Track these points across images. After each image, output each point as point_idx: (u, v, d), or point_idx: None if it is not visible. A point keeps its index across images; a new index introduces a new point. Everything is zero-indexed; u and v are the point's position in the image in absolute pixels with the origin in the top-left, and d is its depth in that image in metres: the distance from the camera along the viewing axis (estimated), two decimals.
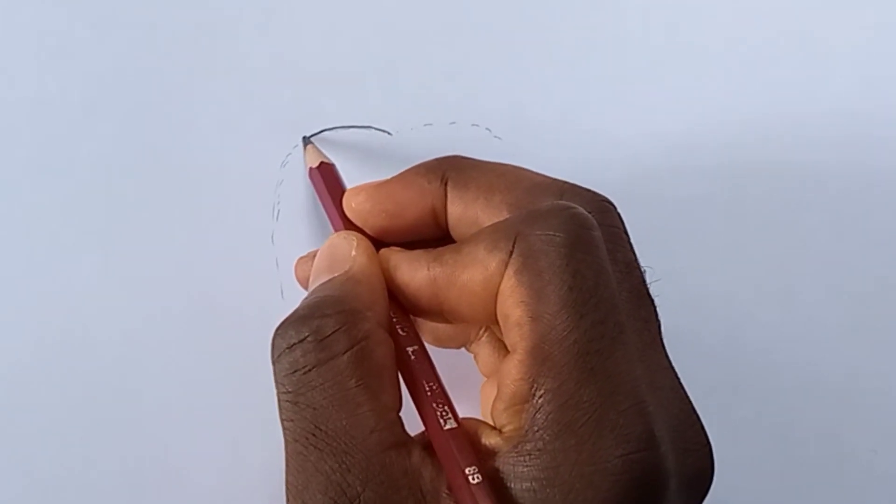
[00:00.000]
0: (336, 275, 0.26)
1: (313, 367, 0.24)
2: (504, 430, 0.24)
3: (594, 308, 0.24)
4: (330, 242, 0.28)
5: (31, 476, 0.29)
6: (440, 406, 0.25)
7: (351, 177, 0.31)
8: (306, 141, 0.33)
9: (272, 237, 0.32)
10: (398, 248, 0.28)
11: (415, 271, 0.26)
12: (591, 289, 0.24)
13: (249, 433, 0.31)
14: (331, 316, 0.25)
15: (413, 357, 0.26)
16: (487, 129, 0.35)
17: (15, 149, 0.31)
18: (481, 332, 0.30)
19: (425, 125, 0.34)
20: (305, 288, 0.29)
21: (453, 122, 0.34)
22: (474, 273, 0.25)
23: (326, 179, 0.31)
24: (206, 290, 0.31)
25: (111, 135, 0.32)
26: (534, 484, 0.23)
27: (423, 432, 0.26)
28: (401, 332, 0.26)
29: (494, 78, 0.35)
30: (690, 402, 0.25)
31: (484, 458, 0.24)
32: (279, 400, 0.25)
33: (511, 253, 0.24)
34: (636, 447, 0.23)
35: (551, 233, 0.24)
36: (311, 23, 0.34)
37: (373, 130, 0.34)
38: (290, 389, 0.24)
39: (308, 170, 0.32)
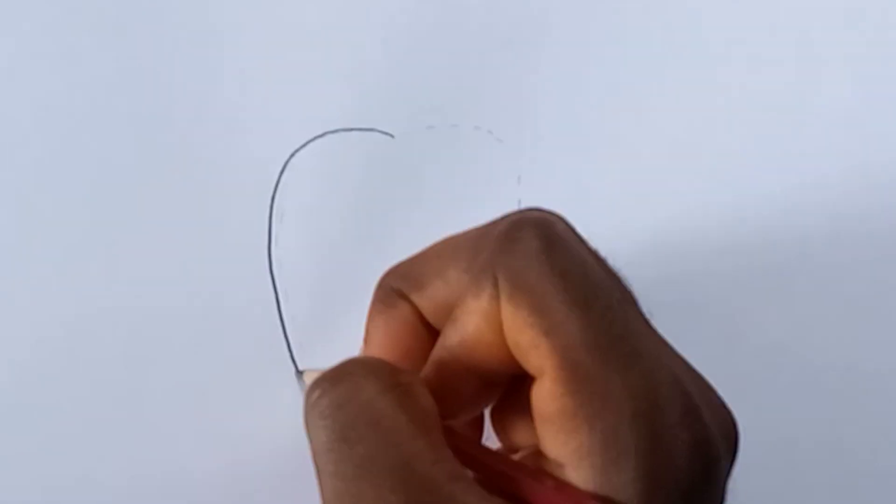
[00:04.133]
0: None
1: (359, 403, 0.23)
2: (565, 449, 0.23)
3: (595, 298, 0.23)
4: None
5: (31, 476, 0.29)
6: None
7: (352, 180, 0.31)
8: (300, 374, 0.32)
9: (274, 238, 0.32)
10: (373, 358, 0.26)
11: (431, 362, 0.25)
12: (584, 281, 0.23)
13: (250, 433, 0.31)
14: (375, 362, 0.24)
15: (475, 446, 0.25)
16: (490, 131, 0.35)
17: (16, 149, 0.31)
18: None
19: (427, 128, 0.34)
20: None
21: (455, 125, 0.34)
22: (479, 324, 0.24)
23: None
24: (208, 290, 0.31)
25: (112, 136, 0.32)
26: (628, 488, 0.22)
27: None
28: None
29: (497, 80, 0.35)
30: (691, 365, 0.25)
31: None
32: (320, 445, 0.23)
33: (496, 284, 0.24)
34: (689, 421, 0.23)
35: (521, 246, 0.24)
36: (313, 24, 0.34)
37: (375, 133, 0.34)
38: (335, 428, 0.23)
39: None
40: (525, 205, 0.34)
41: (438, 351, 0.25)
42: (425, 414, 0.24)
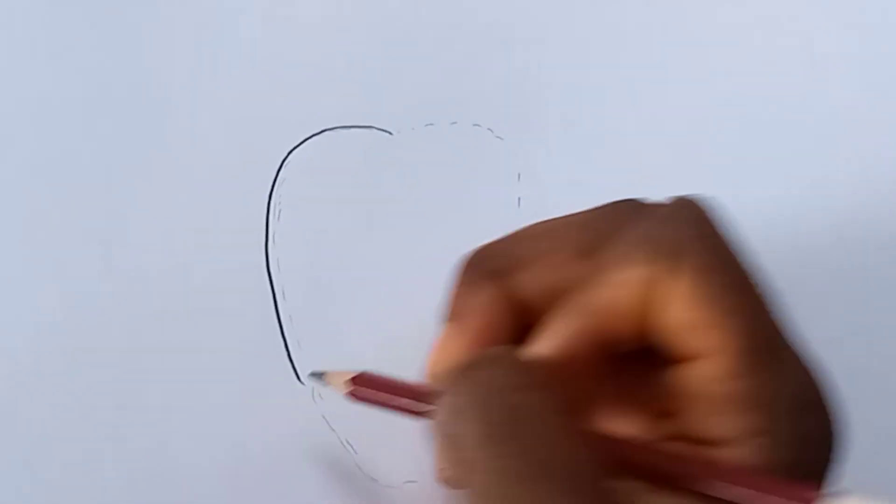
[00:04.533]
0: None
1: (503, 401, 0.22)
2: (733, 429, 0.23)
3: (757, 284, 0.24)
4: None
5: (31, 476, 0.29)
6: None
7: (352, 178, 0.31)
8: (318, 375, 0.29)
9: (272, 235, 0.32)
10: (511, 346, 0.26)
11: (558, 335, 0.25)
12: (749, 266, 0.24)
13: (246, 431, 0.30)
14: (505, 355, 0.24)
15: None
16: (489, 129, 0.35)
17: (12, 144, 0.31)
18: None
19: (426, 125, 0.34)
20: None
21: (454, 122, 0.34)
22: (618, 295, 0.24)
23: (377, 385, 0.27)
24: (205, 287, 0.31)
25: (109, 132, 0.32)
26: (786, 470, 0.23)
27: None
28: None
29: (497, 78, 0.35)
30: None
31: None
32: (466, 436, 0.22)
33: (655, 263, 0.24)
34: (837, 416, 0.24)
35: (689, 228, 0.24)
36: (311, 22, 0.34)
37: (374, 130, 0.34)
38: (481, 425, 0.22)
39: (347, 395, 0.28)
40: (525, 203, 0.34)
41: (560, 329, 0.25)
42: (566, 407, 0.23)
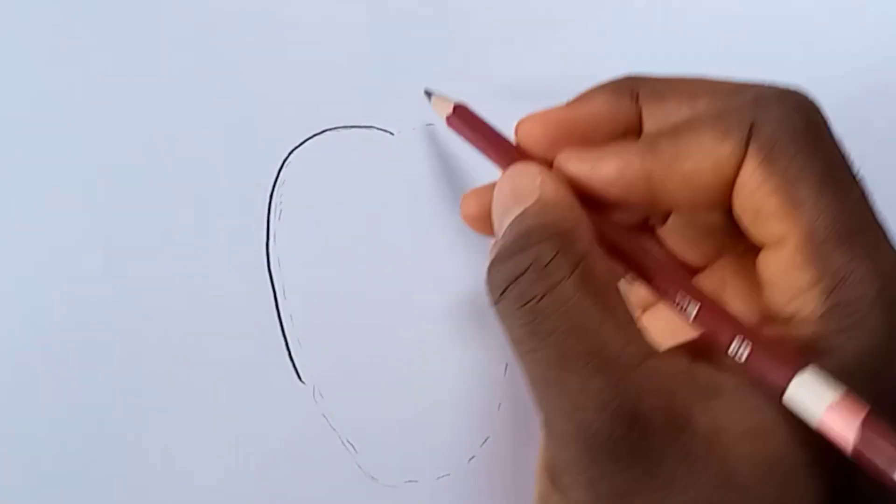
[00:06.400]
0: (527, 206, 0.26)
1: (544, 295, 0.24)
2: (794, 318, 0.24)
3: (849, 189, 0.24)
4: (508, 176, 0.27)
5: (31, 476, 0.29)
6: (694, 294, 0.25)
7: (351, 177, 0.31)
8: (429, 94, 0.32)
9: (273, 235, 0.32)
10: (581, 149, 0.27)
11: (626, 164, 0.26)
12: (842, 170, 0.24)
13: (250, 433, 0.31)
14: (545, 241, 0.24)
15: (648, 261, 0.26)
16: None
17: (12, 145, 0.31)
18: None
19: (427, 125, 0.34)
20: (472, 226, 0.30)
21: None
22: (701, 162, 0.25)
23: (471, 120, 0.30)
24: (206, 287, 0.31)
25: (109, 132, 0.32)
26: (855, 359, 0.23)
27: (672, 348, 0.26)
28: (617, 242, 0.26)
29: (497, 77, 0.35)
30: None
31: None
32: (514, 335, 0.24)
33: (747, 142, 0.24)
34: None
35: (790, 119, 0.24)
36: (312, 21, 0.34)
37: (375, 130, 0.34)
38: (526, 321, 0.24)
39: (445, 119, 0.31)
40: None
41: (647, 157, 0.26)
42: (607, 287, 0.24)
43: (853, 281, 0.23)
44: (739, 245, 0.27)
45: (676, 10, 0.37)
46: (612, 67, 0.36)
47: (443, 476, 0.32)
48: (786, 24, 0.38)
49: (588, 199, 0.27)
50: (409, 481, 0.31)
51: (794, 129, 0.24)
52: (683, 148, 0.25)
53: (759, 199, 0.24)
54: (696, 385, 0.23)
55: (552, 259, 0.24)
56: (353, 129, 0.33)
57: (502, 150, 0.29)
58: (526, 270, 0.24)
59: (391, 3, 0.35)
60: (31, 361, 0.30)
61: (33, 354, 0.30)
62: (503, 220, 0.26)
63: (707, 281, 0.29)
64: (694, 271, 0.30)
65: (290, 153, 0.33)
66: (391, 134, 0.34)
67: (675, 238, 0.30)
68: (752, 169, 0.24)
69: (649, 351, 0.24)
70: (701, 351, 0.25)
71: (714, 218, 0.28)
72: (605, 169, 0.26)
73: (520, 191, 0.26)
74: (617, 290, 0.25)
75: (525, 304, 0.24)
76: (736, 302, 0.27)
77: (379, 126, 0.34)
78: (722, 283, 0.28)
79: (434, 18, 0.35)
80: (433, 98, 0.32)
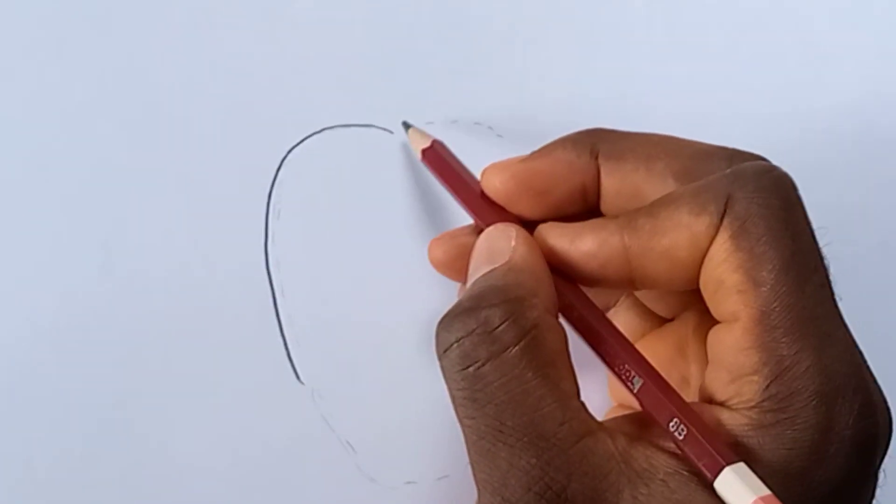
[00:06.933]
0: (496, 265, 0.26)
1: (486, 361, 0.24)
2: (730, 402, 0.24)
3: (814, 271, 0.24)
4: (486, 235, 0.27)
5: (31, 476, 0.29)
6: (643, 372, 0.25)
7: (350, 176, 0.31)
8: (407, 126, 0.32)
9: (271, 235, 0.32)
10: (562, 223, 0.27)
11: (603, 240, 0.26)
12: (810, 252, 0.24)
13: (250, 433, 0.30)
14: (497, 306, 0.24)
15: (603, 331, 0.26)
16: (490, 127, 0.35)
17: (9, 145, 0.31)
18: (621, 297, 0.30)
19: (427, 123, 0.34)
20: (439, 271, 0.30)
21: (455, 121, 0.34)
22: (678, 238, 0.25)
23: (445, 158, 0.31)
24: (204, 287, 0.31)
25: (107, 132, 0.31)
26: (786, 455, 0.23)
27: (615, 418, 0.26)
28: (578, 310, 0.26)
29: (496, 76, 0.35)
30: (866, 362, 0.25)
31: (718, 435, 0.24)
32: (454, 397, 0.24)
33: (722, 216, 0.24)
34: (865, 414, 0.23)
35: (765, 195, 0.24)
36: (311, 21, 0.34)
37: (374, 129, 0.33)
38: (465, 386, 0.24)
39: (419, 153, 0.31)
40: None
41: (625, 233, 0.25)
42: (554, 360, 0.24)
43: (796, 373, 0.23)
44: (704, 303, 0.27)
45: (676, 11, 0.37)
46: (611, 67, 0.36)
47: (442, 477, 0.32)
48: (785, 24, 0.38)
49: (567, 271, 0.27)
50: (409, 482, 0.31)
51: (768, 206, 0.24)
52: (661, 223, 0.25)
53: (723, 273, 0.24)
54: (630, 469, 0.23)
55: (500, 325, 0.24)
56: (352, 128, 0.33)
57: (470, 196, 0.29)
58: (472, 332, 0.24)
59: (391, 3, 0.34)
60: (29, 362, 0.30)
61: (31, 355, 0.30)
62: (472, 276, 0.27)
63: (672, 333, 0.29)
64: (662, 321, 0.30)
65: (288, 152, 0.33)
66: (390, 133, 0.34)
67: (627, 318, 0.30)
68: (723, 241, 0.24)
69: (587, 429, 0.24)
70: (647, 423, 0.25)
71: None
72: (584, 244, 0.26)
73: (494, 250, 0.26)
74: (565, 362, 0.25)
75: (467, 368, 0.24)
76: (695, 361, 0.27)
77: (378, 124, 0.33)
78: (685, 337, 0.28)
79: (434, 18, 0.35)
80: (410, 131, 0.32)
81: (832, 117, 0.37)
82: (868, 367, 0.25)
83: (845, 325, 0.25)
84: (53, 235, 0.30)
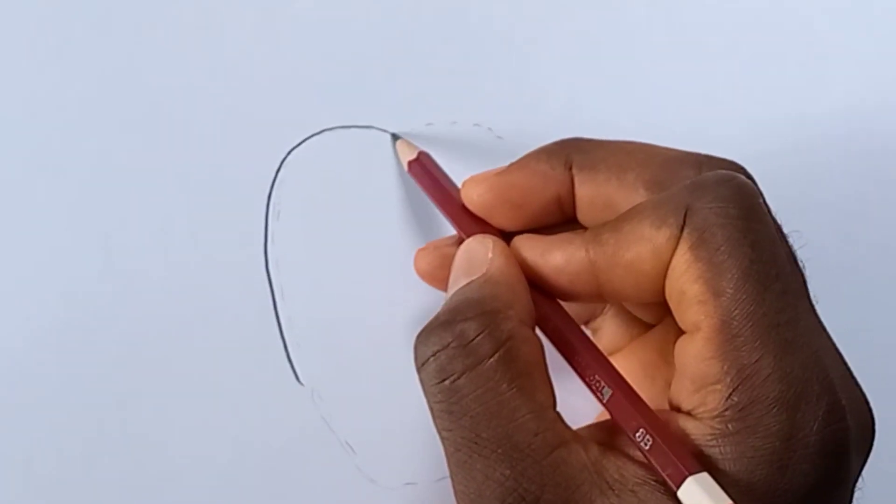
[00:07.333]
0: (474, 278, 0.26)
1: (462, 374, 0.24)
2: (695, 412, 0.24)
3: (776, 279, 0.24)
4: (465, 247, 0.28)
5: (31, 476, 0.29)
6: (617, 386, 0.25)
7: (352, 178, 0.31)
8: (395, 137, 0.33)
9: (271, 236, 0.32)
10: (536, 235, 0.27)
11: (570, 255, 0.26)
12: (771, 260, 0.24)
13: (249, 434, 0.30)
14: (472, 319, 0.24)
15: (575, 342, 0.26)
16: (489, 128, 0.35)
17: (9, 146, 0.31)
18: (606, 308, 0.30)
19: (426, 125, 0.34)
20: (425, 281, 0.30)
21: (454, 122, 0.34)
22: (641, 251, 0.25)
23: (430, 170, 0.31)
24: (204, 288, 0.31)
25: (107, 133, 0.31)
26: (748, 463, 0.23)
27: (590, 425, 0.26)
28: (553, 321, 0.26)
29: (496, 77, 0.35)
30: (847, 363, 0.25)
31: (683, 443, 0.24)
32: (432, 409, 0.25)
33: (682, 227, 0.24)
34: (831, 419, 0.23)
35: (723, 205, 0.24)
36: (311, 22, 0.34)
37: (374, 130, 0.33)
38: (442, 399, 0.24)
39: (406, 164, 0.32)
40: None
41: (591, 248, 0.26)
42: (530, 371, 0.24)
43: (756, 381, 0.23)
44: None
45: (677, 11, 0.37)
46: (611, 67, 0.36)
47: (442, 478, 0.32)
48: (785, 25, 0.38)
49: (540, 284, 0.27)
50: (409, 483, 0.31)
51: (726, 215, 0.24)
52: (624, 237, 0.25)
53: (684, 284, 0.24)
54: (602, 479, 0.23)
55: (475, 337, 0.24)
56: (352, 130, 0.33)
57: (452, 208, 0.30)
58: (447, 346, 0.24)
59: (391, 3, 0.34)
60: (29, 362, 0.30)
61: (31, 354, 0.30)
62: (451, 288, 0.27)
63: (656, 339, 0.29)
64: (648, 327, 0.30)
65: (288, 153, 0.33)
66: (390, 134, 0.34)
67: (611, 328, 0.31)
68: (683, 253, 0.24)
69: (560, 440, 0.24)
70: (619, 431, 0.25)
71: None
72: (553, 259, 0.26)
73: (472, 262, 0.27)
74: (541, 373, 0.25)
75: (443, 381, 0.24)
76: (673, 367, 0.27)
77: (378, 126, 0.33)
78: (668, 343, 0.28)
79: (434, 18, 0.35)
80: (398, 142, 0.32)
81: (832, 118, 0.37)
82: (845, 370, 0.25)
83: (817, 330, 0.25)
84: (53, 235, 0.30)
